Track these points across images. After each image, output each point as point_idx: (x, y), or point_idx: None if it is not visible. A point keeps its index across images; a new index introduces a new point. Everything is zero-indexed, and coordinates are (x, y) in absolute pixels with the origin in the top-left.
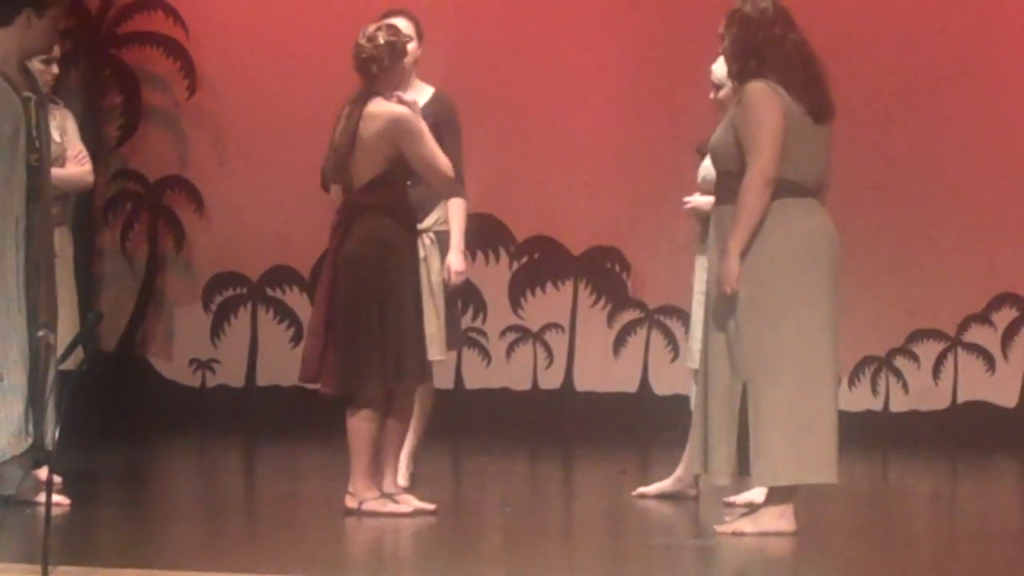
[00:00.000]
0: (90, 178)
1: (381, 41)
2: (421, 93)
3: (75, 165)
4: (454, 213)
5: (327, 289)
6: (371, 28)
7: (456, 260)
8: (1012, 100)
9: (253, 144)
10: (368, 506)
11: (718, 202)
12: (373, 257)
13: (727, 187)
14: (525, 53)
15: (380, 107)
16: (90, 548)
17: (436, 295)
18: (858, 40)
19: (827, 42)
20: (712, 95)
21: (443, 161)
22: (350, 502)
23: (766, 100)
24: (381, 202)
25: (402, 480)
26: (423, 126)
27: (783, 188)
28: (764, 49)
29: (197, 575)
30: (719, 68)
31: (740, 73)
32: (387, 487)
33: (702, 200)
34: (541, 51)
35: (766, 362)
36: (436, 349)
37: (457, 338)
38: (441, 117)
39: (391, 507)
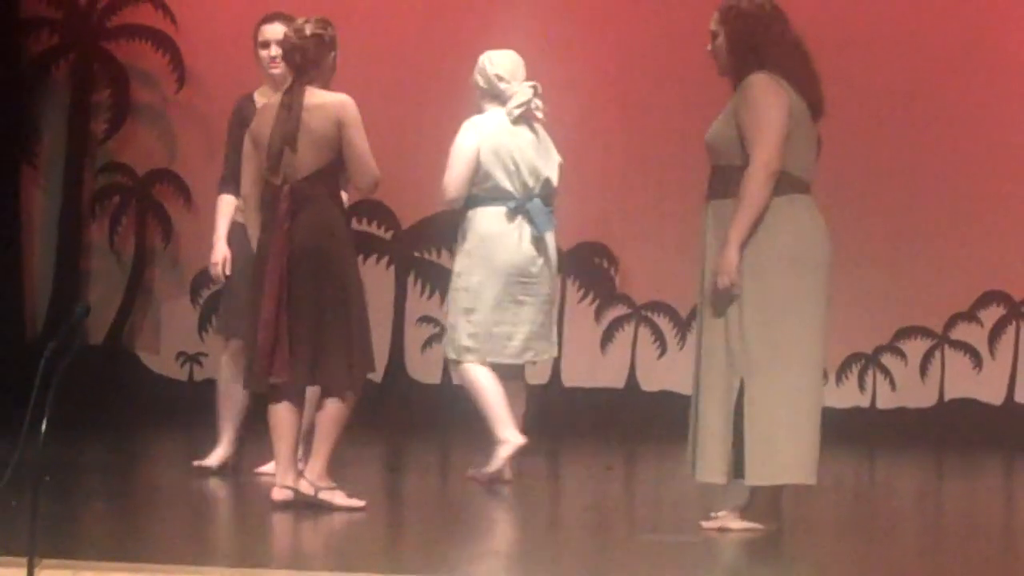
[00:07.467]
0: None
1: (308, 33)
2: None
3: None
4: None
5: (279, 279)
6: (299, 20)
7: None
8: (1001, 98)
9: None
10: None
11: (711, 196)
12: (327, 247)
13: (723, 181)
14: (515, 49)
15: (324, 96)
16: (77, 541)
17: None
18: (846, 38)
19: (815, 39)
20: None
21: (372, 160)
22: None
23: (770, 91)
24: (328, 192)
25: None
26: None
27: (788, 183)
28: (764, 45)
29: (184, 569)
30: None
31: (738, 68)
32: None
33: None
34: (530, 47)
35: (769, 359)
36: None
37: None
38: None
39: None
